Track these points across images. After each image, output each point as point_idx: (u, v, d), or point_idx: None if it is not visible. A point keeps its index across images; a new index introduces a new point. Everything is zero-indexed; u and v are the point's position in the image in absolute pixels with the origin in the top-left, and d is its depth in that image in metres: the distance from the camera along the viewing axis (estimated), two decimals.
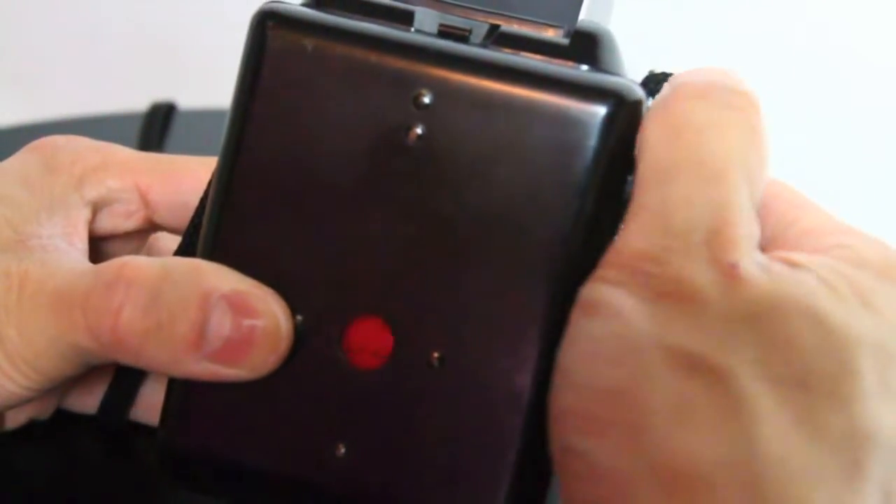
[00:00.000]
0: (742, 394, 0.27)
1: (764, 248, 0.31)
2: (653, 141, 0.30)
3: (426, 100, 0.31)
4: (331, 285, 0.32)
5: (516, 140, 0.31)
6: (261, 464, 0.32)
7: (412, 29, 0.32)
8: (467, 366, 0.31)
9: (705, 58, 0.33)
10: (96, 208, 0.38)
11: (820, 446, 0.27)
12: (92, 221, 0.38)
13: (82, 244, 0.37)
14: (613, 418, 0.28)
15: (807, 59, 0.83)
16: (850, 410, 0.28)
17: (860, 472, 0.27)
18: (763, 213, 0.31)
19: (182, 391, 0.33)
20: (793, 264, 0.30)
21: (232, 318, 0.32)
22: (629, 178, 0.31)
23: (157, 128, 0.61)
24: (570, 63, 0.31)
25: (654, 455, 0.27)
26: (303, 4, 0.33)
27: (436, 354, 0.31)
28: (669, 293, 0.28)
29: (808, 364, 0.28)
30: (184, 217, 0.37)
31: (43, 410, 0.40)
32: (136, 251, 0.41)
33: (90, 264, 0.35)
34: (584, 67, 0.31)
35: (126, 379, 0.40)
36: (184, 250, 0.36)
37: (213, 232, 0.33)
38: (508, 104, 0.31)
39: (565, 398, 0.29)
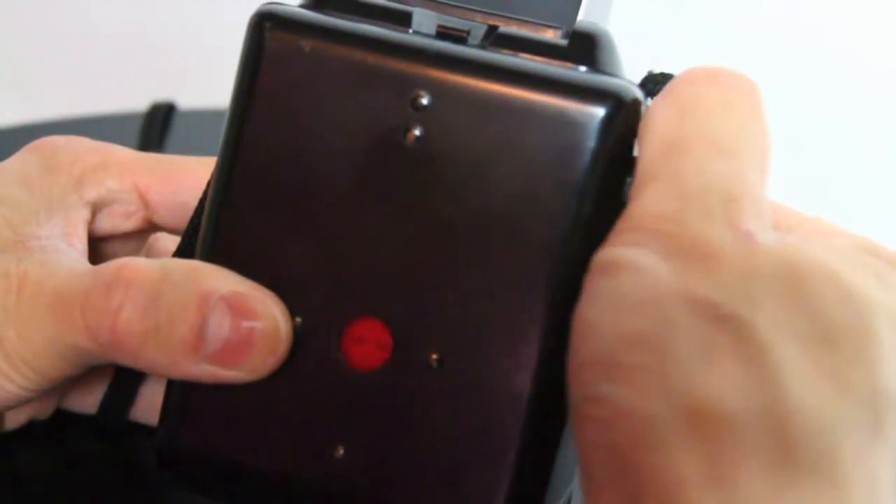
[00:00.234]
0: (766, 345, 0.27)
1: None
2: (661, 120, 0.30)
3: (424, 101, 0.31)
4: (329, 287, 0.32)
5: (515, 141, 0.31)
6: (260, 465, 0.32)
7: (410, 30, 0.32)
8: (466, 367, 0.31)
9: (705, 58, 0.33)
10: (96, 209, 0.38)
11: (848, 400, 0.27)
12: (91, 222, 0.38)
13: (81, 245, 0.37)
14: (639, 363, 0.27)
15: (807, 59, 0.83)
16: (871, 369, 0.28)
17: (881, 431, 0.27)
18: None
19: (181, 392, 0.33)
20: (807, 242, 0.30)
21: (231, 320, 0.32)
22: (628, 179, 0.31)
23: (156, 128, 0.61)
24: (569, 64, 0.31)
25: (680, 396, 0.27)
26: (301, 6, 0.33)
27: (434, 356, 0.31)
28: (689, 249, 0.28)
29: (830, 321, 0.28)
30: (183, 217, 0.37)
31: (42, 410, 0.40)
32: (136, 252, 0.41)
33: (89, 265, 0.35)
34: (583, 68, 0.31)
35: (126, 379, 0.40)
36: (183, 251, 0.35)
37: (212, 233, 0.33)
38: (507, 105, 0.31)
39: (588, 348, 0.28)
